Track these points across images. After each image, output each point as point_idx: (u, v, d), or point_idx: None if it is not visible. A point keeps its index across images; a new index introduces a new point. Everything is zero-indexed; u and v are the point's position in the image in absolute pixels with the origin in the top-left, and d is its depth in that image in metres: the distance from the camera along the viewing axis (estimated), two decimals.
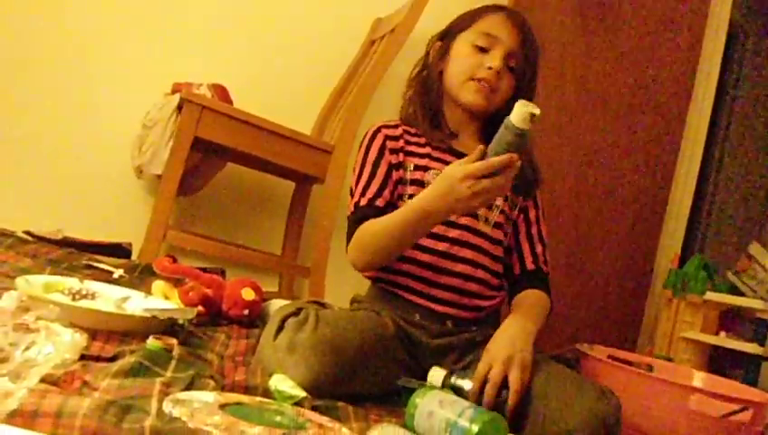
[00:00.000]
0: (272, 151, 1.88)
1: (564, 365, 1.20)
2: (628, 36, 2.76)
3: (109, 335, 0.99)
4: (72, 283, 1.18)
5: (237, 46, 2.21)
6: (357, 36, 2.29)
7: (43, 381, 0.67)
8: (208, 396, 0.78)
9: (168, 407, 0.71)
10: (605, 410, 1.05)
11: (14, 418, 0.60)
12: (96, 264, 1.53)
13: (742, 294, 2.57)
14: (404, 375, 1.09)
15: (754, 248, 2.65)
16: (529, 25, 1.28)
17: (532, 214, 1.33)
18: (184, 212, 2.15)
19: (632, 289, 2.86)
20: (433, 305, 1.21)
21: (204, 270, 1.53)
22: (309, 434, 0.74)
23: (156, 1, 2.12)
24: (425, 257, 1.22)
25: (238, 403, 0.79)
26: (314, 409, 0.88)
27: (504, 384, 1.01)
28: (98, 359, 0.86)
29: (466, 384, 1.01)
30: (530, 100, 1.17)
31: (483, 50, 1.25)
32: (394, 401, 1.04)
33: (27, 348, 0.63)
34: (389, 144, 1.28)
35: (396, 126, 1.31)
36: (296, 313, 1.08)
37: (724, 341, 2.48)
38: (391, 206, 1.22)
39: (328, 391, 0.96)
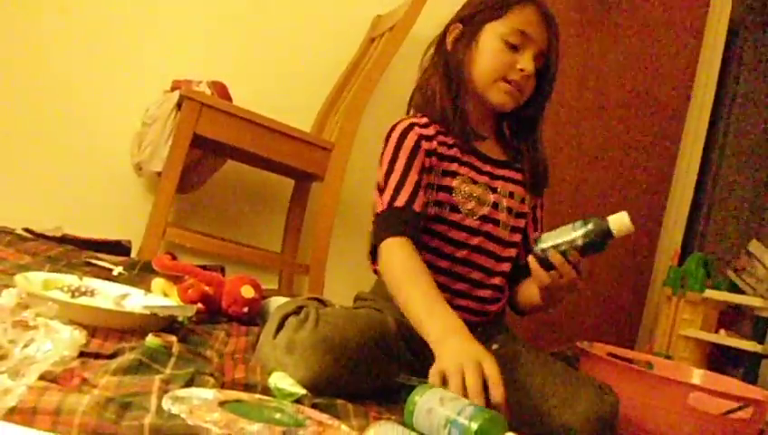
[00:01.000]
0: (271, 149, 1.87)
1: (563, 363, 1.20)
2: (629, 36, 2.76)
3: (108, 332, 0.99)
4: (72, 280, 1.18)
5: (237, 44, 2.21)
6: (357, 34, 2.28)
7: (42, 378, 0.67)
8: (208, 393, 0.78)
9: (167, 404, 0.71)
10: (604, 407, 1.05)
11: (12, 415, 0.60)
12: (95, 261, 1.53)
13: (741, 292, 2.57)
14: (405, 373, 1.09)
15: (754, 246, 2.65)
16: (557, 24, 1.23)
17: (538, 214, 1.33)
18: (183, 209, 2.15)
19: (632, 287, 2.87)
20: None
21: (203, 267, 1.53)
22: (308, 431, 0.74)
23: None
24: (443, 263, 1.20)
25: (238, 401, 0.79)
26: (314, 406, 0.88)
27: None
28: (97, 356, 0.86)
29: None
30: (549, 99, 1.18)
31: (513, 47, 1.19)
32: (394, 398, 1.04)
33: (26, 345, 0.63)
34: (424, 145, 1.19)
35: (427, 124, 1.22)
36: (296, 311, 1.07)
37: (724, 338, 2.48)
38: (424, 212, 1.16)
39: (327, 389, 0.96)
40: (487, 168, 1.25)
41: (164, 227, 1.76)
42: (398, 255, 1.10)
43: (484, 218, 1.21)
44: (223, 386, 0.87)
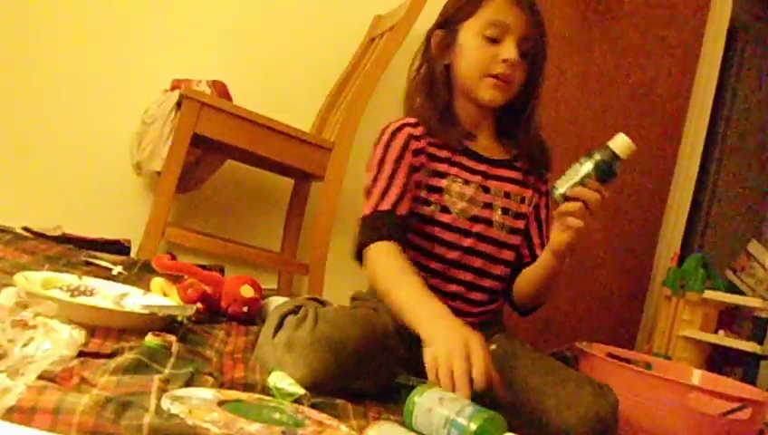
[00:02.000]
0: (271, 148, 1.87)
1: (562, 363, 1.19)
2: (629, 35, 2.76)
3: (107, 332, 0.98)
4: (71, 279, 1.17)
5: (237, 43, 2.21)
6: (357, 33, 2.28)
7: (41, 377, 0.67)
8: (207, 393, 0.78)
9: (166, 404, 0.71)
10: (603, 407, 1.05)
11: (11, 414, 0.60)
12: (95, 260, 1.53)
13: (741, 293, 2.57)
14: (404, 373, 1.09)
15: (753, 247, 2.66)
16: (534, 2, 1.21)
17: (542, 214, 1.30)
18: (183, 209, 2.15)
19: (631, 287, 2.86)
20: None
21: (203, 267, 1.53)
22: (308, 431, 0.74)
23: None
24: (435, 266, 1.20)
25: (237, 400, 0.79)
26: (313, 406, 0.88)
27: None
28: (96, 355, 0.86)
29: None
30: (541, 82, 1.17)
31: (493, 40, 1.18)
32: (393, 398, 1.04)
33: (25, 344, 0.63)
34: (413, 144, 1.19)
35: (416, 124, 1.22)
36: (295, 310, 1.07)
37: (723, 339, 2.48)
38: (410, 215, 1.16)
39: (327, 388, 0.96)
40: (482, 167, 1.24)
41: (163, 226, 1.76)
42: (384, 257, 1.11)
43: (474, 219, 1.20)
44: (222, 386, 0.87)
